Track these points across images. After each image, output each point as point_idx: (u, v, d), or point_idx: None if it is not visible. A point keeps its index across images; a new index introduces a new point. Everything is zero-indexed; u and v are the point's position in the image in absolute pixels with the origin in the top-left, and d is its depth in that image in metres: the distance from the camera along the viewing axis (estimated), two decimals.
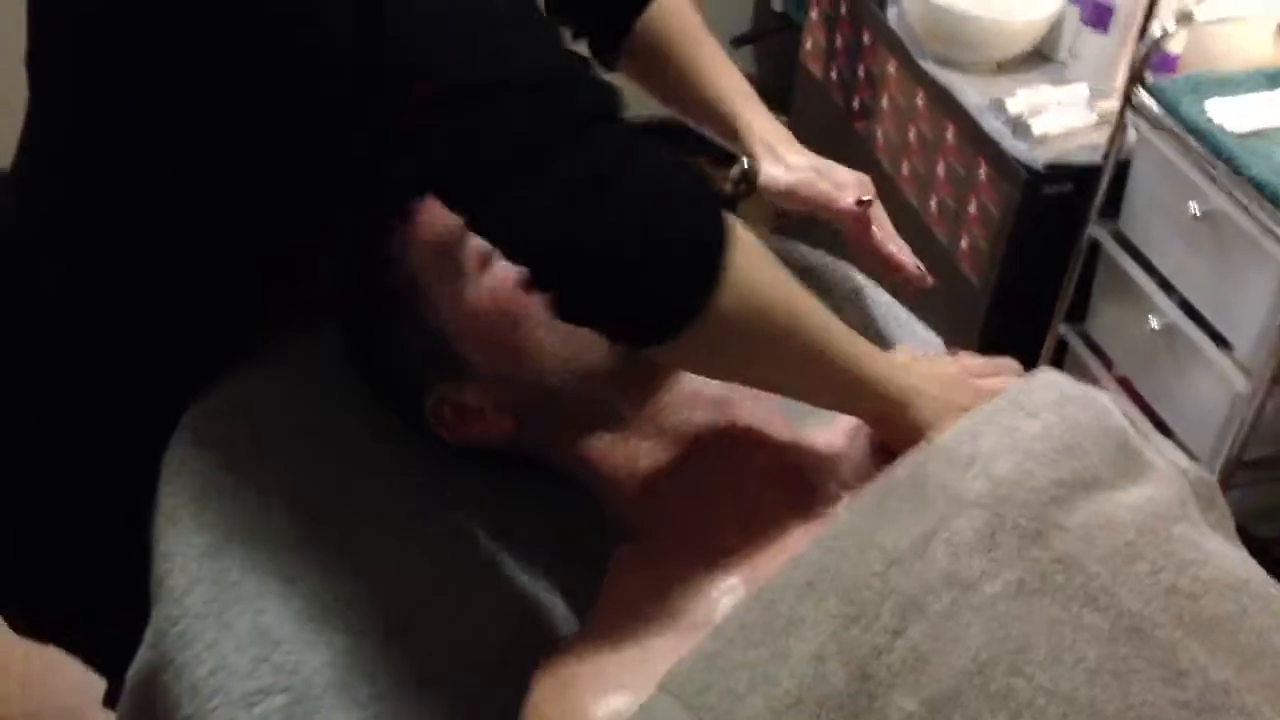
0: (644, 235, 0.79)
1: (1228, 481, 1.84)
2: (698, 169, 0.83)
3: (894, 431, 0.93)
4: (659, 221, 0.80)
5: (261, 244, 0.97)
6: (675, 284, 0.80)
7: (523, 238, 0.80)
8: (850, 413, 0.96)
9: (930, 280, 1.14)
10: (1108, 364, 2.07)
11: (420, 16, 0.77)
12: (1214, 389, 1.86)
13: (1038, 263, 2.10)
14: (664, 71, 1.18)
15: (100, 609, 1.15)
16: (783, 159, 1.13)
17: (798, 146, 1.15)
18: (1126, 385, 2.04)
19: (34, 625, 1.20)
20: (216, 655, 0.88)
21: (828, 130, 2.59)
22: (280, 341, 1.06)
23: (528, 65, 0.79)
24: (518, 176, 0.78)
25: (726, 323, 0.82)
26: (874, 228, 1.13)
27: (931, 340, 1.19)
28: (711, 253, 0.80)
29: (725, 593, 0.88)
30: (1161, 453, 0.94)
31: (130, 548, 1.02)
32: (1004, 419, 0.88)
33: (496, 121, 0.78)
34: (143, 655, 0.95)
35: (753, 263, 0.83)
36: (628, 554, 0.95)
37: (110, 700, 1.26)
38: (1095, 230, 2.02)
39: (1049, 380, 0.94)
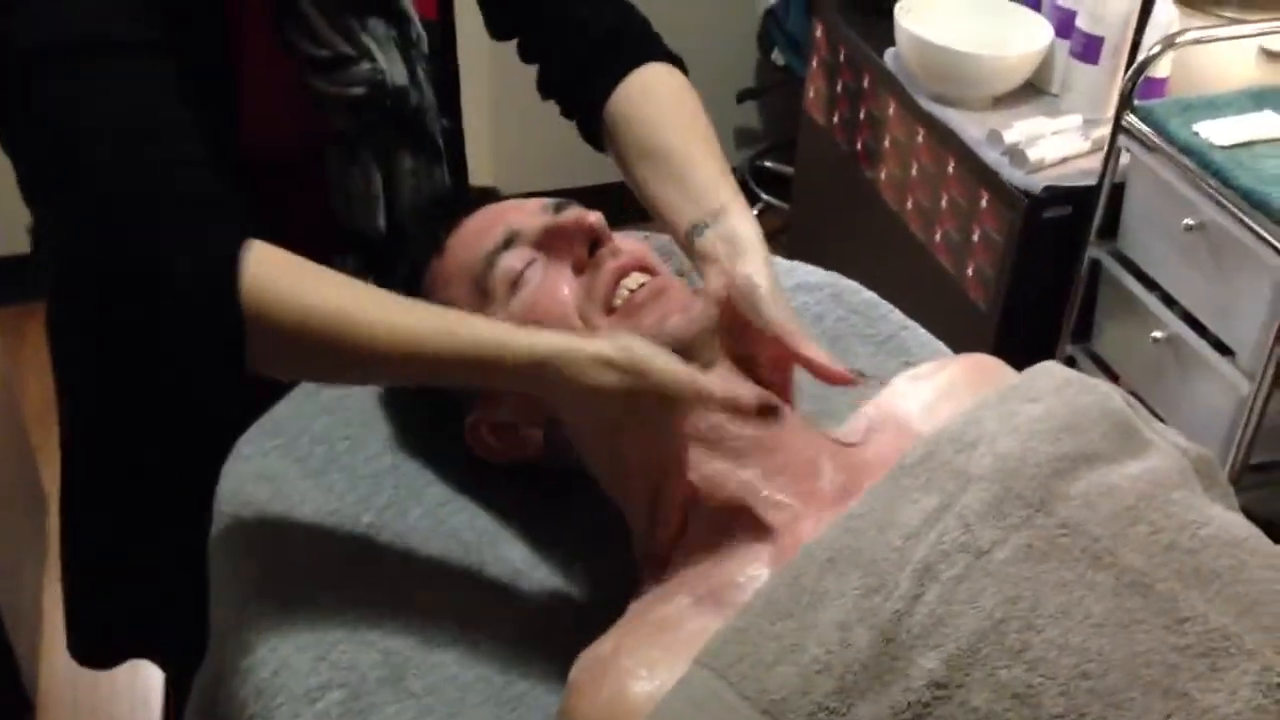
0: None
1: (1236, 486, 1.87)
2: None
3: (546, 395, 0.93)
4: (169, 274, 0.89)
5: None
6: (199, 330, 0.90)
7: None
8: (487, 384, 0.96)
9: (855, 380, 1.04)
10: (1114, 380, 2.11)
11: None
12: (1218, 396, 1.90)
13: (1041, 285, 2.15)
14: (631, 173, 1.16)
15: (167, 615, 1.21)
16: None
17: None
18: (1134, 399, 2.07)
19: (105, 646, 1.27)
20: (278, 657, 0.94)
21: (833, 174, 2.66)
22: None
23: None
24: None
25: (268, 346, 0.91)
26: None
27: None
28: (222, 291, 0.88)
29: (752, 577, 0.92)
30: (1162, 435, 0.99)
31: (192, 558, 1.09)
32: (1006, 405, 0.94)
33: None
34: (208, 661, 1.00)
35: (277, 283, 0.90)
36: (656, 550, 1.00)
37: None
38: (1095, 251, 2.08)
39: (1049, 369, 1.00)
